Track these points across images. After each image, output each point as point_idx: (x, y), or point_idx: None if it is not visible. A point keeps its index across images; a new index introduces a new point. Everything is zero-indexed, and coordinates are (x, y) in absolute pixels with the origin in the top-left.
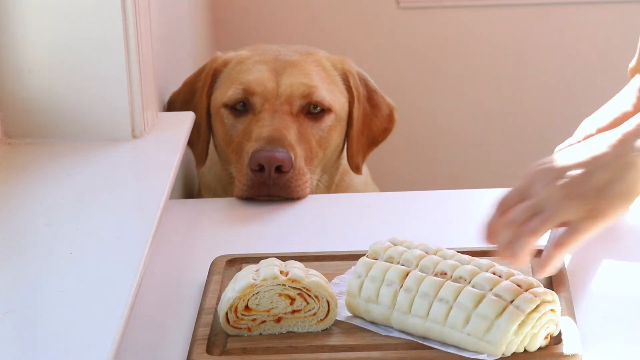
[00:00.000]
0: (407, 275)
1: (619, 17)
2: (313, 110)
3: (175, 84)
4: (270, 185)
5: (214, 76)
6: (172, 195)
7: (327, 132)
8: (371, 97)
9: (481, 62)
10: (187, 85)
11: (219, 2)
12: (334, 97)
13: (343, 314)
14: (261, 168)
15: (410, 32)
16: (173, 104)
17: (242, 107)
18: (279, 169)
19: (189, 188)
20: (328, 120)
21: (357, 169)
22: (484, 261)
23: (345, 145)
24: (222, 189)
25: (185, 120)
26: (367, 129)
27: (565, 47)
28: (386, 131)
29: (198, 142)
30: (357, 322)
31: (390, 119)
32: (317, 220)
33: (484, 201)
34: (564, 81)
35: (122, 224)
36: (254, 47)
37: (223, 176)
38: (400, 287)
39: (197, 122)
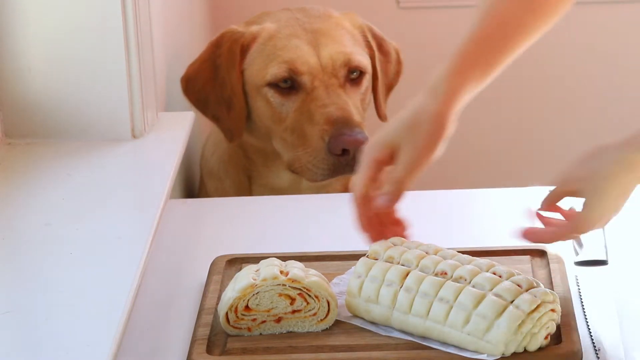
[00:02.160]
0: (407, 275)
1: (622, 17)
2: (352, 76)
3: (174, 84)
4: (352, 166)
5: (243, 51)
6: (172, 195)
7: (365, 94)
8: (381, 45)
9: None
10: (206, 62)
11: (218, 3)
12: (363, 57)
13: (343, 314)
14: (344, 152)
15: (410, 32)
16: (192, 82)
17: (287, 84)
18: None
19: (189, 188)
20: (365, 82)
21: (385, 117)
22: (484, 261)
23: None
24: (225, 173)
25: (185, 120)
26: (385, 77)
27: (566, 47)
28: (398, 74)
29: (228, 117)
30: (357, 322)
31: (398, 61)
32: (317, 220)
33: (484, 201)
34: (564, 81)
35: (122, 224)
36: (271, 16)
37: (234, 156)
38: (401, 287)
39: (227, 98)
